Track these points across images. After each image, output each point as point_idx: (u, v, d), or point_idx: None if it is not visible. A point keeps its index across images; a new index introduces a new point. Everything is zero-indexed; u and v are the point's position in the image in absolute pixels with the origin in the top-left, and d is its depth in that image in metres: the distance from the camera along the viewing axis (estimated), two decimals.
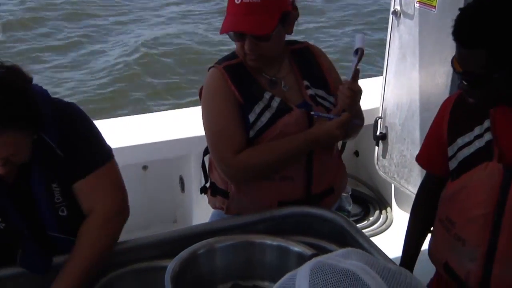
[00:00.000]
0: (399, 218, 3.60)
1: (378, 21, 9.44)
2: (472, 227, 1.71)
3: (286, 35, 2.08)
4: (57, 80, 7.67)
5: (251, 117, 2.00)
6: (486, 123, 1.67)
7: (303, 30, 8.64)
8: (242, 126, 2.01)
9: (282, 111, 2.01)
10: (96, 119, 3.24)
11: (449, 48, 2.80)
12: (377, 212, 3.76)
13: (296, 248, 1.74)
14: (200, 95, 2.13)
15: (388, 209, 3.77)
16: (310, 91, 2.07)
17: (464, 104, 1.73)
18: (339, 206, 2.50)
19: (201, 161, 2.32)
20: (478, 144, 1.69)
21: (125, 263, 1.77)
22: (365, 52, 2.05)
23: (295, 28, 2.07)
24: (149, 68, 8.25)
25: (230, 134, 2.01)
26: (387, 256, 1.80)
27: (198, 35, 9.33)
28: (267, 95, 2.02)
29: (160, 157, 3.36)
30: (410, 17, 3.13)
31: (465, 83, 1.61)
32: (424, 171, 2.08)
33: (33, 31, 9.10)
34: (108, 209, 1.74)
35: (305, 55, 2.15)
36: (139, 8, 10.66)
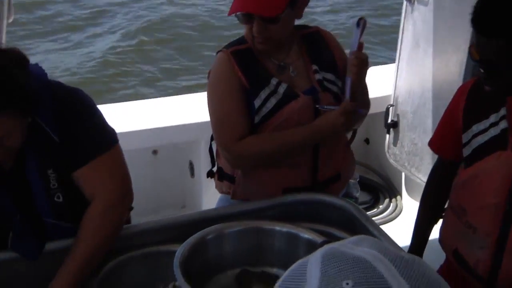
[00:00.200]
0: (409, 206, 3.58)
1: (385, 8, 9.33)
2: (484, 215, 1.70)
3: (296, 20, 2.07)
4: (58, 62, 7.62)
5: (257, 103, 1.99)
6: (502, 111, 1.66)
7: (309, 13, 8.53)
8: (246, 113, 2.01)
9: (289, 97, 2.00)
10: (105, 103, 3.25)
11: (464, 36, 2.79)
12: (386, 200, 3.73)
13: (306, 234, 1.74)
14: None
15: (398, 197, 3.74)
16: (318, 76, 2.06)
17: (480, 91, 1.71)
18: (347, 192, 2.49)
19: None
20: (493, 132, 1.67)
21: (134, 247, 1.77)
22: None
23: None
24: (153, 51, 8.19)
25: (232, 120, 2.01)
26: (396, 244, 1.79)
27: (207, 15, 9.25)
28: (274, 81, 2.01)
29: (170, 142, 3.35)
30: (425, 3, 3.08)
31: (482, 71, 1.59)
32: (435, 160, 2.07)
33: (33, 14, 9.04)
34: (110, 195, 1.73)
35: (315, 40, 2.14)
36: None
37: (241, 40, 2.07)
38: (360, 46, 2.01)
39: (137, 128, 3.16)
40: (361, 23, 2.01)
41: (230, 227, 1.75)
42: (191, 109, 3.30)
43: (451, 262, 1.88)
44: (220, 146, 2.10)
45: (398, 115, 3.43)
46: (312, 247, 1.68)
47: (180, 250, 1.58)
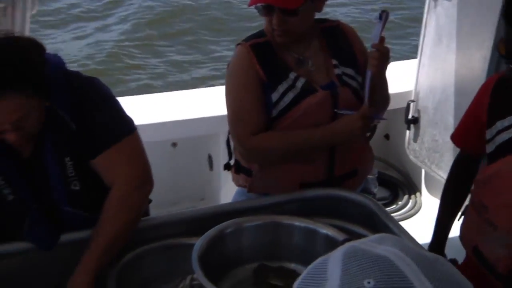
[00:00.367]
0: (429, 203, 3.54)
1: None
2: (505, 213, 1.68)
3: (316, 14, 2.05)
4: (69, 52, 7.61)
5: (274, 97, 1.98)
6: None
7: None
8: (263, 107, 2.00)
9: (307, 92, 1.99)
10: (124, 95, 3.26)
11: (488, 32, 2.75)
12: (406, 196, 3.70)
13: (324, 230, 1.72)
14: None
15: (418, 194, 3.71)
16: (337, 70, 2.04)
17: (505, 87, 1.69)
18: (364, 188, 2.47)
19: None
20: None
21: (153, 239, 1.77)
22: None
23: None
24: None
25: (248, 115, 2.00)
26: (416, 241, 1.77)
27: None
28: (292, 75, 1.99)
29: (189, 135, 3.35)
30: None
31: (511, 66, 1.57)
32: None
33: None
34: (129, 182, 1.73)
35: (336, 34, 2.12)
36: None
37: (260, 33, 2.05)
38: (382, 39, 1.98)
39: (156, 121, 3.16)
40: (383, 16, 1.99)
41: (249, 221, 1.74)
42: (211, 102, 3.29)
43: (471, 259, 1.86)
44: (234, 140, 2.09)
45: (419, 111, 3.39)
46: (330, 242, 1.68)
47: (198, 243, 1.57)
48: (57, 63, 1.69)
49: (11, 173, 1.67)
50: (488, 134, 1.74)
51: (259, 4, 1.93)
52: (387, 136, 3.94)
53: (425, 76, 3.31)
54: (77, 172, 1.69)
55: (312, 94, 1.99)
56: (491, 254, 1.74)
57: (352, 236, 1.70)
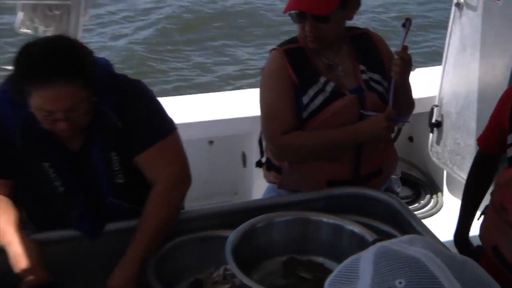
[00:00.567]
0: (450, 203, 3.47)
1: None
2: None
3: (347, 22, 2.02)
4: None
5: (305, 100, 1.95)
6: None
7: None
8: (294, 108, 1.98)
9: (335, 95, 1.96)
10: (165, 96, 3.27)
11: (510, 41, 2.67)
12: (427, 196, 3.64)
13: (350, 227, 1.69)
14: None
15: (439, 194, 3.64)
16: (364, 76, 2.02)
17: None
18: (388, 187, 2.43)
19: None
20: None
21: (189, 231, 1.77)
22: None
23: None
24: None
25: (279, 115, 1.98)
26: (438, 239, 1.73)
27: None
28: (322, 79, 1.97)
29: (225, 134, 3.35)
30: (473, 8, 2.96)
31: None
32: None
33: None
34: (170, 179, 1.72)
35: (364, 41, 2.09)
36: None
37: (293, 39, 2.03)
38: (405, 48, 1.95)
39: (195, 120, 3.17)
40: (407, 23, 1.96)
41: (280, 217, 1.71)
42: (245, 104, 3.28)
43: (491, 258, 1.81)
44: (266, 139, 2.08)
45: (442, 115, 3.33)
46: (356, 239, 1.65)
47: (232, 236, 1.56)
48: (104, 65, 1.70)
49: (62, 167, 1.67)
50: (510, 138, 1.70)
51: (292, 11, 1.92)
52: (411, 139, 3.88)
53: (449, 83, 3.25)
54: (121, 166, 1.70)
55: (340, 97, 1.97)
56: (511, 254, 1.69)
57: (377, 232, 1.67)
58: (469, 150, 3.07)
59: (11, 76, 1.57)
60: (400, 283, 0.61)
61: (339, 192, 1.96)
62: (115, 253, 1.64)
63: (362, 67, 2.02)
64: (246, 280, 1.41)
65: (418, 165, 3.81)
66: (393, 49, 2.04)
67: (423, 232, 1.75)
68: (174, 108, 3.14)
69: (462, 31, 3.08)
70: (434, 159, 3.46)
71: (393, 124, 1.98)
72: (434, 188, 3.68)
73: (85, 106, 1.56)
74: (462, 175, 3.15)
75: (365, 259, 0.65)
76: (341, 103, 1.96)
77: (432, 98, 3.39)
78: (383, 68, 2.04)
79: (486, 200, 1.93)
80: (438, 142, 3.40)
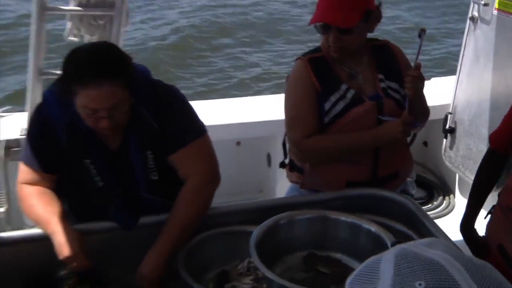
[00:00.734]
0: (461, 204, 3.40)
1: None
2: None
3: (368, 34, 1.99)
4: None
5: (327, 106, 1.93)
6: None
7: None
8: (317, 113, 1.95)
9: (355, 102, 1.94)
10: (196, 99, 3.28)
11: None
12: (440, 197, 3.57)
13: (367, 226, 1.66)
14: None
15: (451, 196, 3.57)
16: (383, 84, 1.98)
17: None
18: (404, 189, 2.39)
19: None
20: None
21: (216, 226, 1.76)
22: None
23: None
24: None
25: (303, 120, 1.96)
26: (450, 239, 1.69)
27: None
28: (343, 87, 1.94)
29: (252, 136, 3.34)
30: (487, 22, 2.89)
31: None
32: None
33: None
34: (201, 177, 1.71)
35: (384, 52, 2.05)
36: None
37: (317, 49, 2.01)
38: (418, 66, 1.90)
39: (224, 123, 3.16)
40: (422, 34, 1.90)
41: (301, 214, 1.69)
42: (271, 108, 3.26)
43: (497, 256, 1.77)
44: (290, 142, 2.06)
45: (455, 122, 3.27)
46: (372, 237, 1.62)
47: (256, 231, 1.54)
48: (143, 71, 1.70)
49: (102, 163, 1.68)
50: None
51: (318, 23, 1.89)
52: (425, 143, 3.82)
53: (463, 92, 3.19)
54: (156, 164, 1.69)
55: (360, 104, 1.94)
56: None
57: (392, 232, 1.63)
58: (480, 155, 2.95)
59: (59, 78, 1.58)
60: (420, 284, 0.58)
61: (357, 192, 1.93)
62: (147, 244, 1.64)
63: (380, 76, 1.99)
64: (268, 273, 1.39)
65: (432, 169, 3.75)
66: (409, 57, 2.00)
67: (435, 232, 1.71)
68: (205, 112, 3.13)
69: (476, 43, 3.02)
70: (447, 163, 3.40)
71: (409, 129, 1.94)
72: (446, 190, 3.61)
73: (125, 106, 1.57)
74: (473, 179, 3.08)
75: (386, 260, 0.62)
76: (361, 109, 1.93)
77: (447, 105, 3.34)
78: (400, 77, 1.99)
79: (494, 201, 1.89)
80: (451, 147, 3.34)
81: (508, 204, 1.69)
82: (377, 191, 1.92)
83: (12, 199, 2.66)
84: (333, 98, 1.93)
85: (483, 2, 2.92)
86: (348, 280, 0.64)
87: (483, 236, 1.89)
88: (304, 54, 2.01)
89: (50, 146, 1.65)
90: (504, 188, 1.75)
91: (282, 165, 2.25)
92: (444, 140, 3.37)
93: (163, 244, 1.62)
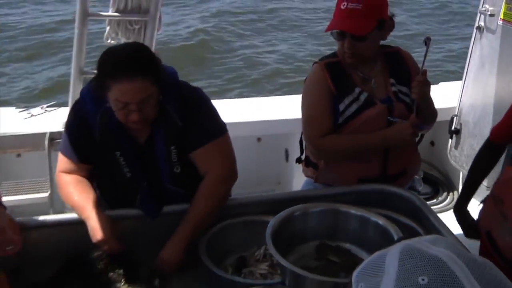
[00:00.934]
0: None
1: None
2: None
3: (381, 41, 1.95)
4: None
5: (341, 107, 1.90)
6: None
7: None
8: (332, 114, 1.92)
9: (368, 104, 1.90)
10: (221, 98, 3.27)
11: None
12: (445, 193, 3.50)
13: (375, 219, 1.62)
14: None
15: (455, 192, 3.50)
16: (394, 88, 1.94)
17: None
18: (411, 186, 2.34)
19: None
20: None
21: (236, 215, 1.74)
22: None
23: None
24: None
25: (319, 120, 1.92)
26: (452, 233, 1.65)
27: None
28: (357, 90, 1.90)
29: (271, 132, 3.31)
30: (492, 32, 2.82)
31: None
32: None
33: None
34: (219, 174, 1.70)
35: (395, 57, 2.01)
36: None
37: (333, 54, 1.98)
38: (424, 72, 1.86)
39: (246, 120, 3.15)
40: (427, 41, 1.86)
41: (314, 207, 1.66)
42: (290, 107, 3.23)
43: (485, 242, 1.78)
44: (306, 141, 2.03)
45: (461, 124, 3.20)
46: (380, 229, 1.58)
47: (272, 221, 1.52)
48: (171, 72, 1.68)
49: (130, 156, 1.67)
50: None
51: (334, 31, 1.85)
52: (432, 143, 3.75)
53: (468, 96, 3.12)
54: (179, 159, 1.68)
55: (372, 106, 1.90)
56: (501, 240, 1.67)
57: (399, 225, 1.59)
58: None
59: (95, 76, 1.58)
60: (423, 280, 0.55)
61: (367, 188, 1.90)
62: (170, 231, 1.63)
63: (392, 80, 1.95)
64: (282, 261, 1.36)
65: (438, 167, 3.69)
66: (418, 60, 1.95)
67: (438, 226, 1.67)
68: (229, 110, 3.13)
69: (481, 51, 2.95)
70: (452, 161, 3.33)
71: (417, 130, 1.90)
72: (451, 187, 3.54)
73: (154, 101, 1.55)
74: None
75: (391, 255, 0.59)
76: (373, 111, 1.89)
77: (453, 108, 3.27)
78: (410, 81, 1.95)
79: (487, 191, 1.87)
80: (456, 147, 3.27)
81: (498, 195, 1.68)
82: (386, 187, 1.89)
83: (54, 186, 2.69)
84: (347, 101, 1.90)
85: (489, 13, 2.85)
86: (355, 273, 0.62)
87: (477, 219, 1.88)
88: (321, 59, 1.98)
89: (85, 139, 1.65)
90: (498, 181, 1.74)
91: (299, 160, 2.23)
92: (450, 140, 3.31)
93: (183, 232, 1.61)
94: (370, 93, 1.92)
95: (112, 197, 1.76)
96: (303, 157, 2.19)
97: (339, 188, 1.92)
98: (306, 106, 2.00)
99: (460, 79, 3.24)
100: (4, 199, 2.87)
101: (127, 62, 1.49)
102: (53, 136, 2.83)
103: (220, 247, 1.66)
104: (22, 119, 3.07)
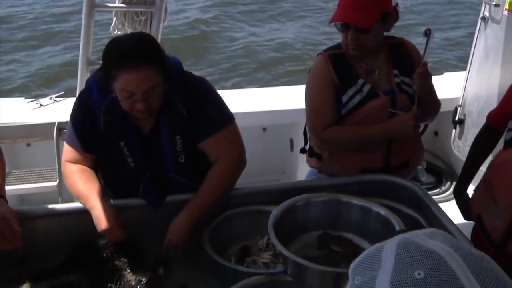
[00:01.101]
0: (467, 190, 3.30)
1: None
2: (505, 194, 1.62)
3: (385, 32, 1.91)
4: None
5: (344, 98, 1.88)
6: None
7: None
8: (335, 105, 1.90)
9: (371, 95, 1.88)
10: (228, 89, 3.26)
11: None
12: (448, 183, 3.48)
13: (377, 209, 1.60)
14: None
15: None
16: (397, 79, 1.92)
17: None
18: (414, 176, 2.32)
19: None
20: None
21: (240, 205, 1.74)
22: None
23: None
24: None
25: (323, 111, 1.91)
26: (453, 222, 1.63)
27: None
28: (360, 82, 1.88)
29: (276, 122, 3.31)
30: (497, 22, 2.78)
31: None
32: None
33: None
34: (229, 160, 1.70)
35: (399, 48, 1.98)
36: None
37: (337, 46, 1.95)
38: (425, 64, 1.84)
39: (252, 110, 3.14)
40: (428, 33, 1.83)
41: (316, 197, 1.64)
42: (295, 97, 3.22)
43: (476, 224, 1.81)
44: (310, 132, 2.01)
45: (464, 114, 3.17)
46: (381, 219, 1.57)
47: (274, 211, 1.51)
48: (176, 63, 1.67)
49: (134, 145, 1.66)
50: (511, 123, 1.68)
51: (337, 22, 1.83)
52: (436, 133, 3.73)
53: (472, 86, 3.08)
54: (183, 148, 1.67)
55: (375, 98, 1.88)
56: (489, 223, 1.69)
57: (400, 215, 1.58)
58: None
59: (101, 66, 1.57)
60: (419, 274, 0.54)
61: (370, 178, 1.88)
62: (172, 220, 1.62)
63: (395, 71, 1.93)
64: (283, 250, 1.35)
65: (442, 156, 3.66)
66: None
67: (440, 216, 1.66)
68: (235, 100, 3.12)
69: (486, 41, 2.90)
70: (455, 151, 3.31)
71: (419, 121, 1.88)
72: (453, 177, 3.51)
73: (159, 90, 1.54)
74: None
75: (388, 249, 0.58)
76: (376, 103, 1.87)
77: (457, 99, 3.24)
78: (414, 72, 1.92)
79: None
80: (459, 137, 3.24)
81: (490, 180, 1.68)
82: (388, 177, 1.87)
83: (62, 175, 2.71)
84: (350, 92, 1.88)
85: (494, 3, 2.80)
86: (352, 266, 0.61)
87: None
88: (325, 50, 1.96)
89: (90, 129, 1.65)
90: (491, 165, 1.74)
91: (303, 150, 2.22)
92: (454, 130, 3.29)
93: (189, 213, 1.61)
94: (374, 85, 1.89)
95: (116, 187, 1.75)
96: (307, 147, 2.18)
97: (342, 178, 1.90)
98: (309, 98, 1.98)
99: (464, 69, 3.21)
100: (14, 187, 2.91)
101: (132, 52, 1.48)
102: (61, 126, 2.84)
103: (224, 236, 1.65)
104: (31, 109, 3.08)
